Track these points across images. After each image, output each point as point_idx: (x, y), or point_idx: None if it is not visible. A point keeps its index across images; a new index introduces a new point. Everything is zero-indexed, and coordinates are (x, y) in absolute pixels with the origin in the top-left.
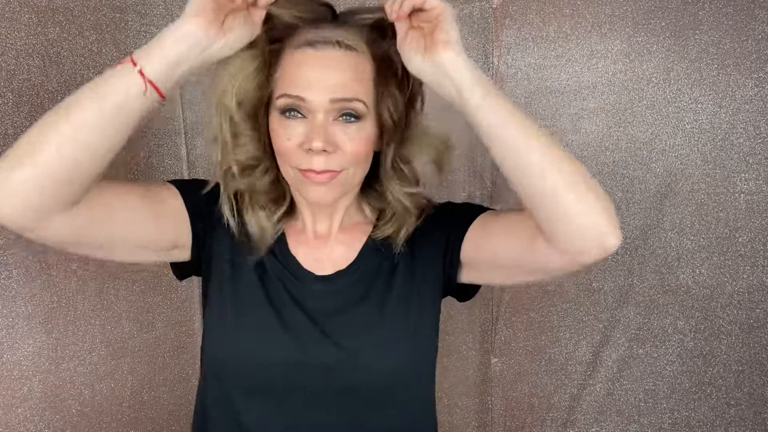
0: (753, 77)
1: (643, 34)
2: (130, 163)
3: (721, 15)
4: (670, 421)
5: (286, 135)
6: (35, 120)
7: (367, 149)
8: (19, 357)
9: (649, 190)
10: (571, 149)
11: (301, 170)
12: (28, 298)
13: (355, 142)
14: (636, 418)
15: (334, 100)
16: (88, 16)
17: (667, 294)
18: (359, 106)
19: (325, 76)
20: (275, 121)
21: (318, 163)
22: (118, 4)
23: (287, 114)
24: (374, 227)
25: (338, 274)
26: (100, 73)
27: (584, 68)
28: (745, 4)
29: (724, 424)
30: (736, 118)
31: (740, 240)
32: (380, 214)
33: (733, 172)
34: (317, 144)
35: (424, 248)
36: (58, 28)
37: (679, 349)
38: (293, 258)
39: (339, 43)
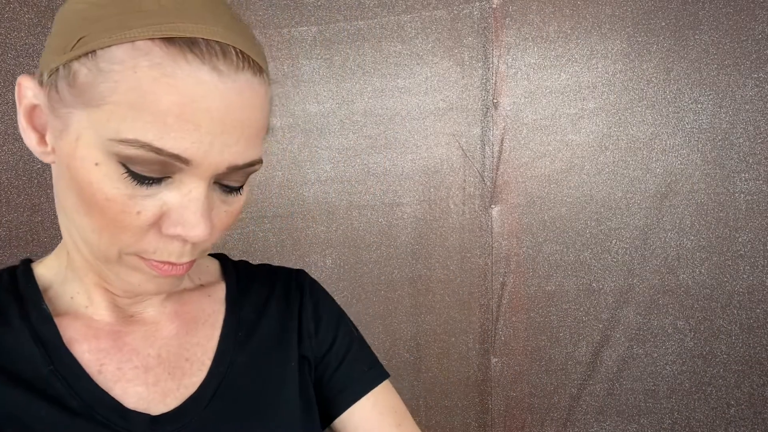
0: (753, 77)
1: (643, 34)
2: None
3: (721, 15)
4: (670, 421)
5: (132, 207)
6: None
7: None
8: None
9: (649, 190)
10: (570, 149)
11: (143, 258)
12: None
13: (233, 214)
14: (636, 418)
15: (233, 168)
16: None
17: (667, 294)
18: (256, 168)
19: (230, 125)
20: (101, 170)
21: (182, 252)
22: None
23: (139, 177)
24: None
25: (191, 403)
26: None
27: (584, 68)
28: (745, 4)
29: (724, 424)
30: (736, 118)
31: (740, 240)
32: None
33: (733, 172)
34: (197, 233)
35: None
36: None
37: (679, 349)
38: (92, 385)
39: (245, 58)
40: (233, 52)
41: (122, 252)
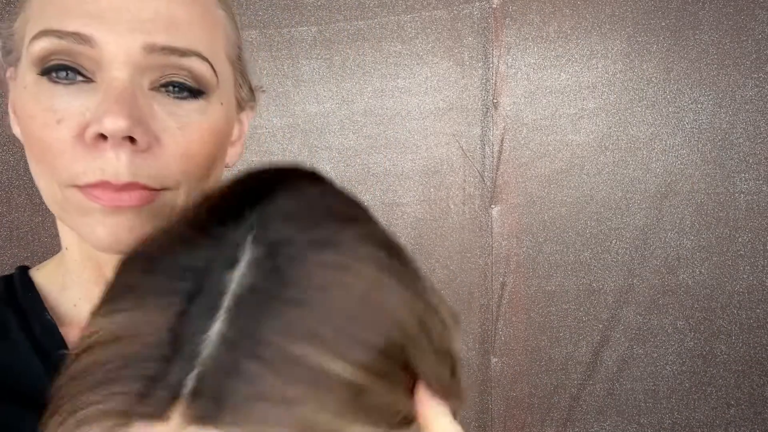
0: (753, 77)
1: (643, 34)
2: None
3: (721, 15)
4: (670, 421)
5: (52, 116)
6: None
7: (211, 151)
8: None
9: (649, 190)
10: (570, 149)
11: (79, 186)
12: None
13: (189, 132)
14: (636, 418)
15: (151, 48)
16: None
17: (667, 294)
18: (201, 69)
19: None
20: (27, 91)
21: (119, 166)
22: None
23: (56, 75)
24: None
25: None
26: None
27: (584, 68)
28: (745, 4)
29: (724, 424)
30: (736, 118)
31: (740, 240)
32: None
33: (733, 172)
34: (115, 123)
35: None
36: None
37: (679, 349)
38: None
39: None
40: None
41: (61, 185)
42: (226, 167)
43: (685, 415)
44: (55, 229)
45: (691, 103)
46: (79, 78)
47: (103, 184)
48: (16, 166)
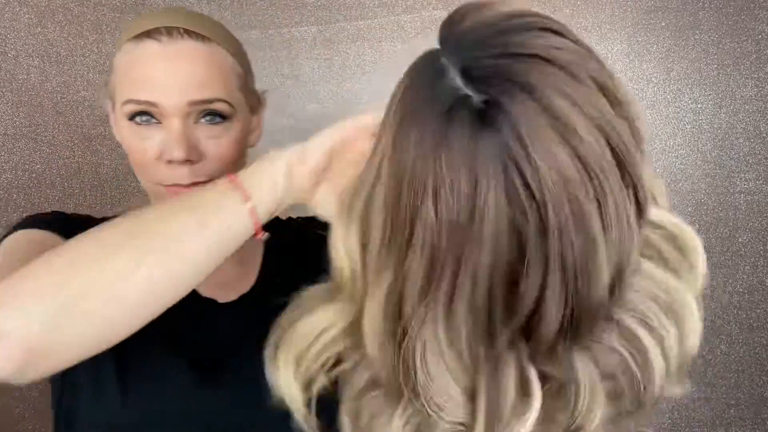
0: (753, 77)
1: (643, 34)
2: None
3: (721, 15)
4: (670, 421)
5: (142, 146)
6: (34, 120)
7: (237, 152)
8: None
9: None
10: None
11: (162, 185)
12: None
13: (222, 146)
14: None
15: (192, 103)
16: (88, 16)
17: None
18: (223, 107)
19: (176, 74)
20: (125, 129)
21: (182, 176)
22: (117, 4)
23: (138, 119)
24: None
25: (243, 299)
26: (101, 72)
27: None
28: (745, 4)
29: (724, 424)
30: (736, 118)
31: (740, 240)
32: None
33: (733, 172)
34: (178, 154)
35: None
36: (57, 28)
37: None
38: None
39: (188, 33)
40: (177, 30)
41: (151, 183)
42: (250, 147)
43: (685, 415)
44: None
45: (691, 103)
46: (153, 120)
47: (176, 186)
48: (15, 166)
